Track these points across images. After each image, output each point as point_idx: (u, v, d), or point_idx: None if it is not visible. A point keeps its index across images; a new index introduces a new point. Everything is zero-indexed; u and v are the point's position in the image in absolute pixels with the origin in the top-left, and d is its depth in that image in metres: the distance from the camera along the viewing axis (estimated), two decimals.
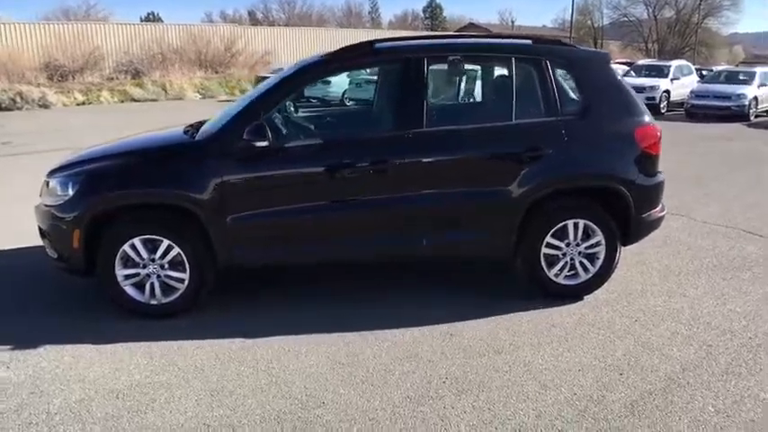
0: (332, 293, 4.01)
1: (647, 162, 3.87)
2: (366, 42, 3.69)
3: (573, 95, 3.84)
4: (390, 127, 3.60)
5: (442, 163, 3.62)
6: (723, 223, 5.76)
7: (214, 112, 4.29)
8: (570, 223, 3.81)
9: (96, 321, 3.58)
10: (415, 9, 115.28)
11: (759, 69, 16.50)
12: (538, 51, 3.82)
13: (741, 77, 16.15)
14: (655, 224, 4.05)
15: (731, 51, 58.27)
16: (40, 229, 3.81)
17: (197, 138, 3.69)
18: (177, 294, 3.60)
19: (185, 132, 3.92)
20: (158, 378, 2.98)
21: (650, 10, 52.75)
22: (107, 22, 29.76)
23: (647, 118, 3.93)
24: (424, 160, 3.58)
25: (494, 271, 4.37)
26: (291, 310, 3.75)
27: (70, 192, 3.51)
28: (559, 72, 3.81)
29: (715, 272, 4.53)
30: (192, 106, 18.31)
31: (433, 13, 79.32)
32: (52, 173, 3.77)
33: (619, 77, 4.09)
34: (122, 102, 19.96)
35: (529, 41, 3.96)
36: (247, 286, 4.11)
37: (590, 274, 3.94)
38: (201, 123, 4.50)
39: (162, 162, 3.58)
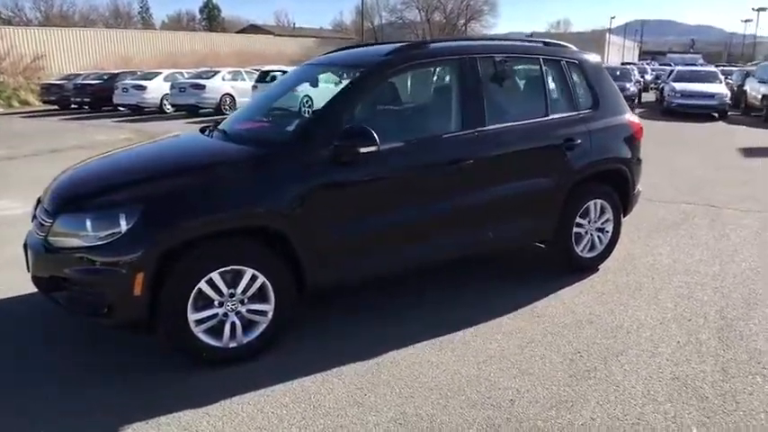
0: (398, 305, 3.86)
1: (637, 147, 4.50)
2: (420, 43, 3.62)
3: (584, 92, 4.26)
4: (459, 126, 3.60)
5: (504, 158, 3.76)
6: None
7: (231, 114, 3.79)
8: (592, 204, 4.28)
9: (170, 387, 2.94)
10: (190, 9, 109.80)
11: None
12: (557, 53, 4.19)
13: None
14: (638, 198, 4.72)
15: None
16: (54, 279, 2.98)
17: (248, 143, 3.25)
18: (260, 330, 3.13)
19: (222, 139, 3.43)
20: None
21: (423, 13, 58.05)
22: None
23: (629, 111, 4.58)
24: (490, 157, 3.67)
25: (503, 257, 4.65)
26: (354, 332, 3.53)
27: (122, 226, 2.80)
28: (573, 71, 4.21)
29: (666, 231, 5.44)
30: None
31: (210, 14, 76.44)
32: (64, 207, 2.98)
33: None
34: None
35: (540, 44, 4.30)
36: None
37: (602, 247, 4.45)
38: (217, 123, 3.97)
39: (246, 177, 3.05)
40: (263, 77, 18.38)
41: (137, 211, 2.82)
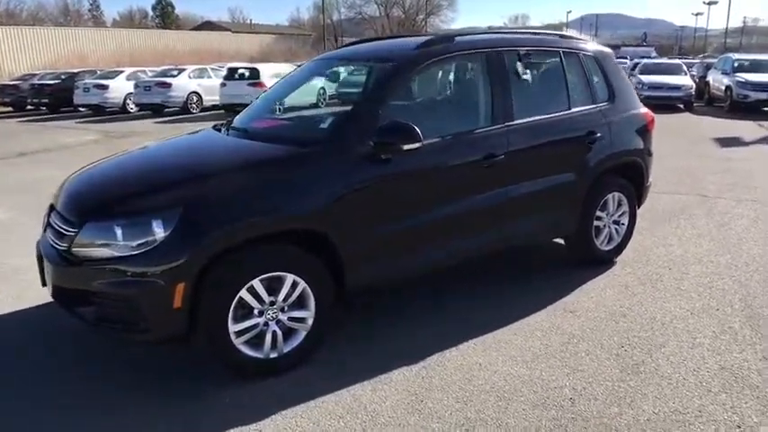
0: (425, 306, 3.77)
1: (650, 139, 4.53)
2: (445, 36, 3.52)
3: (601, 84, 4.25)
4: (489, 121, 3.53)
5: (532, 153, 3.72)
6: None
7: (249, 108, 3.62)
8: (610, 197, 4.28)
9: (214, 405, 2.78)
10: (141, 6, 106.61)
11: None
12: (574, 45, 4.17)
13: None
14: (649, 189, 4.76)
15: None
16: (79, 294, 2.77)
17: (269, 141, 3.16)
18: (300, 339, 2.99)
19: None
20: None
21: (382, 9, 57.95)
22: None
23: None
24: (520, 152, 3.61)
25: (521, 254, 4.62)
26: (391, 333, 3.43)
27: (159, 234, 2.61)
28: (590, 64, 4.20)
29: (668, 222, 5.52)
30: None
31: (163, 11, 74.33)
32: (90, 215, 2.77)
33: None
34: None
35: (556, 36, 4.28)
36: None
37: (619, 239, 4.47)
38: (230, 122, 3.81)
39: (288, 177, 2.89)
40: (232, 75, 17.96)
41: (175, 216, 2.63)
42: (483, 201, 3.49)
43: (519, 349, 3.19)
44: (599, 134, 4.03)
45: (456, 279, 4.08)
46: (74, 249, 2.78)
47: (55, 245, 2.92)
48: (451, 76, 3.91)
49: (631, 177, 4.40)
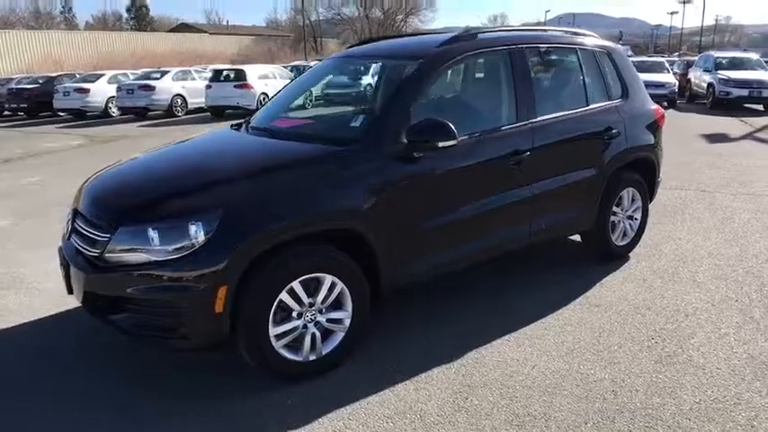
0: (452, 303, 3.77)
1: (660, 134, 4.60)
2: (468, 33, 3.53)
3: (615, 81, 4.31)
4: (513, 118, 3.55)
5: (556, 149, 3.75)
6: None
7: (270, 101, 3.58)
8: (625, 192, 4.35)
9: (264, 410, 2.74)
10: (115, 9, 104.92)
11: None
12: (589, 42, 4.22)
13: None
14: (659, 184, 4.83)
15: None
16: (113, 301, 2.72)
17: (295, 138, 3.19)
18: (337, 340, 2.97)
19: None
20: None
21: (361, 9, 57.86)
22: None
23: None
24: (544, 148, 3.64)
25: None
26: (423, 330, 3.44)
27: (198, 236, 2.56)
28: (604, 60, 4.26)
29: (673, 216, 5.62)
30: None
31: (138, 12, 73.26)
32: (123, 219, 2.70)
33: None
34: None
35: (570, 33, 4.32)
36: None
37: (633, 234, 4.54)
38: (249, 122, 3.78)
39: (326, 176, 2.88)
40: (217, 76, 17.80)
41: (215, 218, 2.59)
42: (510, 197, 3.51)
43: (552, 344, 3.22)
44: (615, 130, 4.09)
45: (478, 276, 4.09)
46: (106, 255, 2.71)
47: (84, 250, 2.86)
48: (475, 74, 3.92)
49: (644, 173, 4.47)
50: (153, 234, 2.61)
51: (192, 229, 2.58)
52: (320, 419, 2.60)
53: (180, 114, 17.94)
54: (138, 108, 17.59)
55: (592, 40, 4.29)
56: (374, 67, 4.07)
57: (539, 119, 3.64)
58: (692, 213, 5.75)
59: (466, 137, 3.25)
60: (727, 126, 12.49)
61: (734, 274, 4.18)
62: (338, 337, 2.97)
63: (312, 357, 2.90)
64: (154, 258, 2.61)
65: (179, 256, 2.58)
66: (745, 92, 15.36)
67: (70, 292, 3.03)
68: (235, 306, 2.63)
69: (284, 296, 2.73)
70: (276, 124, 3.67)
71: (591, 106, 4.05)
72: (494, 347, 3.18)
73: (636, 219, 4.53)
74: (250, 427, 2.56)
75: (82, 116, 18.13)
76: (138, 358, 3.15)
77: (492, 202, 3.44)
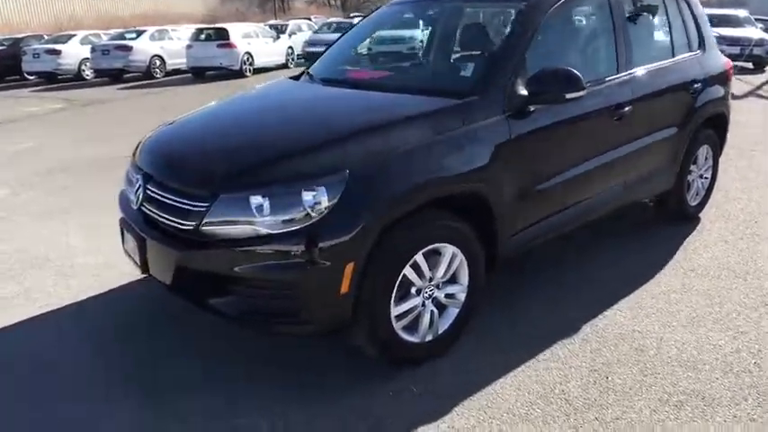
0: (544, 275, 3.55)
1: (729, 88, 4.37)
2: None
3: (694, 31, 4.04)
4: (614, 69, 3.29)
5: (652, 102, 3.52)
6: None
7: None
8: (701, 150, 4.15)
9: (388, 404, 2.49)
10: None
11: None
12: None
13: None
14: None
15: None
16: (213, 282, 2.36)
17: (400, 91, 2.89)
18: (453, 318, 2.71)
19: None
20: None
21: None
22: None
23: None
24: (643, 101, 3.40)
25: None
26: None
27: (322, 204, 2.22)
28: (685, 9, 3.99)
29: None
30: None
31: None
32: (223, 185, 2.33)
33: None
34: None
35: None
36: None
37: (704, 193, 4.37)
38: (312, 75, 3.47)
39: (447, 133, 2.54)
40: (198, 36, 16.92)
41: (341, 183, 2.24)
42: (612, 155, 3.29)
43: (667, 313, 3.04)
44: (698, 84, 3.86)
45: (556, 248, 3.85)
46: (203, 228, 2.33)
47: (171, 222, 2.47)
48: (577, 20, 3.60)
49: (717, 129, 4.27)
50: (264, 202, 2.24)
51: (313, 196, 2.23)
52: (456, 408, 2.36)
53: (159, 76, 17.03)
54: (114, 70, 16.61)
55: None
56: (468, 11, 3.68)
57: (635, 70, 3.39)
58: (737, 170, 5.62)
59: None
60: None
61: None
62: (453, 313, 2.71)
63: (429, 337, 2.64)
64: (267, 231, 2.25)
65: (297, 227, 2.23)
66: (736, 50, 15.31)
67: (144, 271, 2.67)
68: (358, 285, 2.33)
69: (407, 270, 2.44)
70: (355, 75, 3.31)
71: (676, 57, 3.80)
72: (608, 320, 2.98)
73: (706, 177, 4.36)
74: (384, 418, 2.31)
75: (53, 79, 17.04)
76: (226, 337, 2.85)
77: (597, 160, 3.21)
